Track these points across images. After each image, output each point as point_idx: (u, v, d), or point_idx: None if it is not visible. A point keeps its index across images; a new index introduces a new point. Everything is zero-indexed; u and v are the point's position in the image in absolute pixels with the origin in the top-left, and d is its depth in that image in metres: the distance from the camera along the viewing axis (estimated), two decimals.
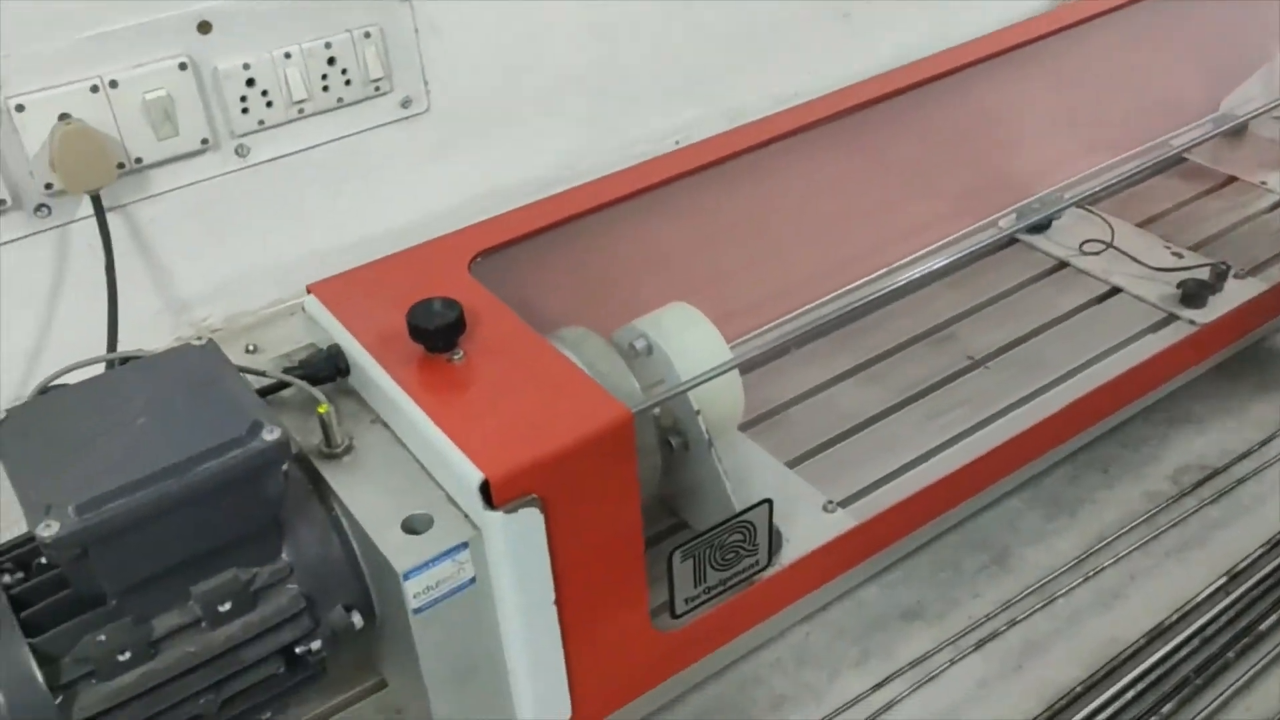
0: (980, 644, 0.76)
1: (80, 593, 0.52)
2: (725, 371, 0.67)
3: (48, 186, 0.98)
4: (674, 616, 0.66)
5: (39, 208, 0.99)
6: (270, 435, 0.52)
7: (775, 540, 0.70)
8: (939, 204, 0.99)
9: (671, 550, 0.64)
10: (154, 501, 0.50)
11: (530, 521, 0.55)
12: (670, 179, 0.78)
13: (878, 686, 0.74)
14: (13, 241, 0.99)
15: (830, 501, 0.75)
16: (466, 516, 0.56)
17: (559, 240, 0.73)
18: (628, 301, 0.74)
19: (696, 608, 0.67)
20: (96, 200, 0.99)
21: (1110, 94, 1.08)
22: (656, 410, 0.68)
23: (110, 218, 1.01)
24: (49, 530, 0.48)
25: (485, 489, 0.54)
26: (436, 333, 0.60)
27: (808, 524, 0.74)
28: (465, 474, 0.54)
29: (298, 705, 0.61)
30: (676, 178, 0.78)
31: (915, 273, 0.77)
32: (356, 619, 0.58)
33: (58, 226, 1.01)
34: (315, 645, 0.57)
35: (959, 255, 0.80)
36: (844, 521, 0.74)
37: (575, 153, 1.05)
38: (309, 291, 0.67)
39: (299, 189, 1.10)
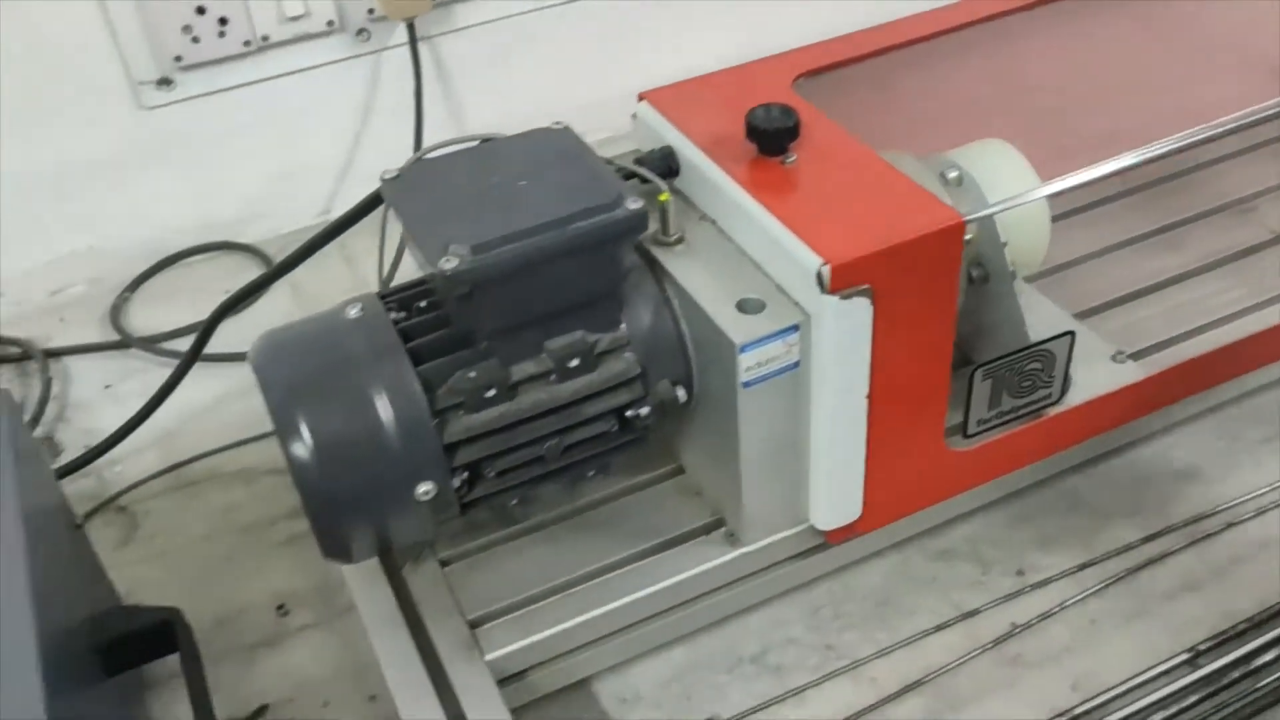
0: (1260, 512, 0.76)
1: (457, 332, 0.59)
2: (1036, 200, 0.68)
3: (370, 12, 1.06)
4: (965, 436, 0.69)
5: (360, 31, 1.07)
6: (633, 205, 0.57)
7: (1066, 381, 0.71)
8: (1250, 76, 0.95)
9: (974, 369, 0.66)
10: (535, 251, 0.56)
11: (860, 310, 0.58)
12: (984, 19, 0.78)
13: (1148, 539, 0.75)
14: (335, 63, 1.08)
15: (1120, 352, 0.76)
16: (796, 304, 0.60)
17: (876, 70, 0.75)
18: (935, 136, 0.75)
19: (987, 430, 0.69)
20: (411, 28, 1.07)
21: None
22: (967, 237, 0.70)
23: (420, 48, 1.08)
24: (449, 264, 0.54)
25: (822, 274, 0.57)
26: (774, 134, 0.63)
27: (1096, 372, 0.74)
28: (802, 259, 0.58)
29: (616, 471, 0.68)
30: (990, 19, 0.78)
31: (1218, 137, 0.75)
32: (680, 393, 0.64)
33: (374, 52, 1.09)
34: (644, 411, 0.63)
35: (1265, 121, 0.77)
36: (1132, 373, 0.75)
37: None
38: (641, 99, 0.71)
39: (591, 33, 1.14)
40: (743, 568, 0.68)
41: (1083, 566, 0.74)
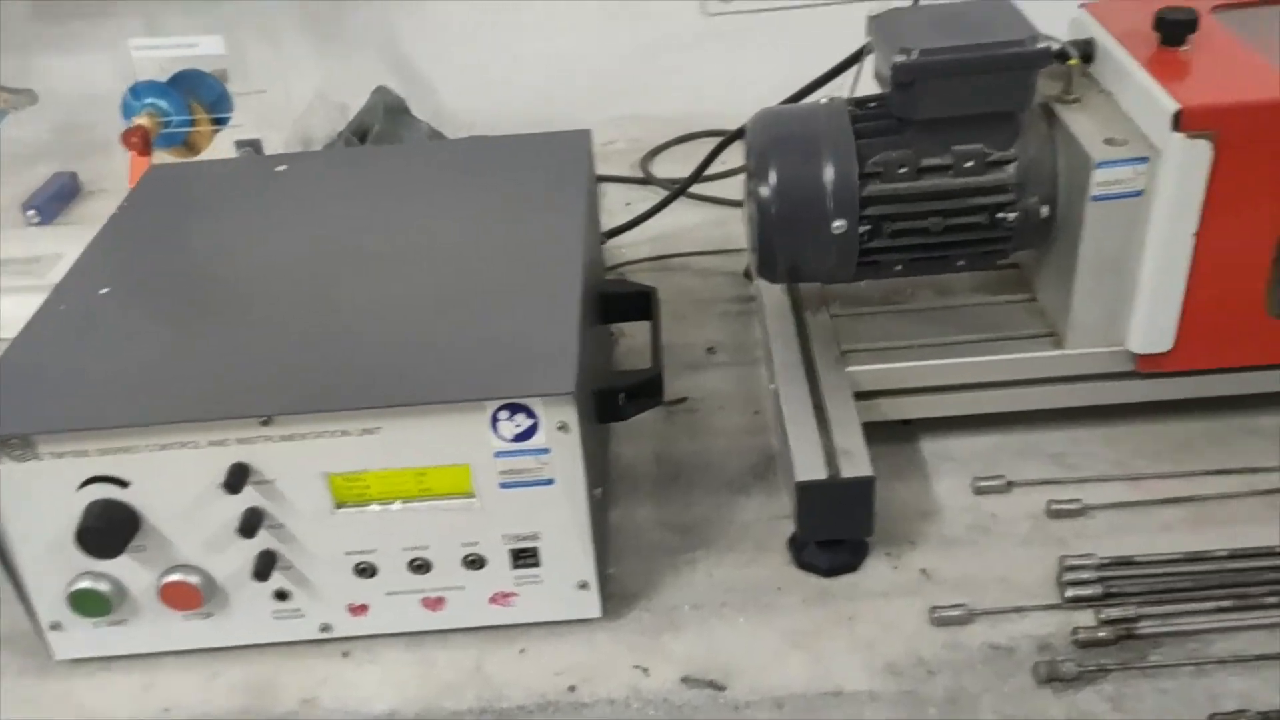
0: None
1: (892, 125, 0.83)
2: None
3: None
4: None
5: None
6: (1042, 44, 0.78)
7: None
8: None
9: None
10: (962, 61, 0.78)
11: (1201, 152, 0.75)
12: None
13: None
14: (843, 3, 1.35)
15: None
16: (1151, 144, 0.77)
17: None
18: None
19: None
20: None
21: None
22: None
23: None
24: (901, 57, 0.79)
25: (1177, 116, 0.75)
26: (1174, 24, 0.81)
27: None
28: (1164, 104, 0.75)
29: (982, 290, 0.88)
30: None
31: None
32: (1044, 210, 0.83)
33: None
34: (1012, 216, 0.83)
35: None
36: None
37: None
38: (1081, 6, 0.91)
39: None
40: (1060, 368, 0.86)
41: None
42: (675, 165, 1.40)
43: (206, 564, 0.74)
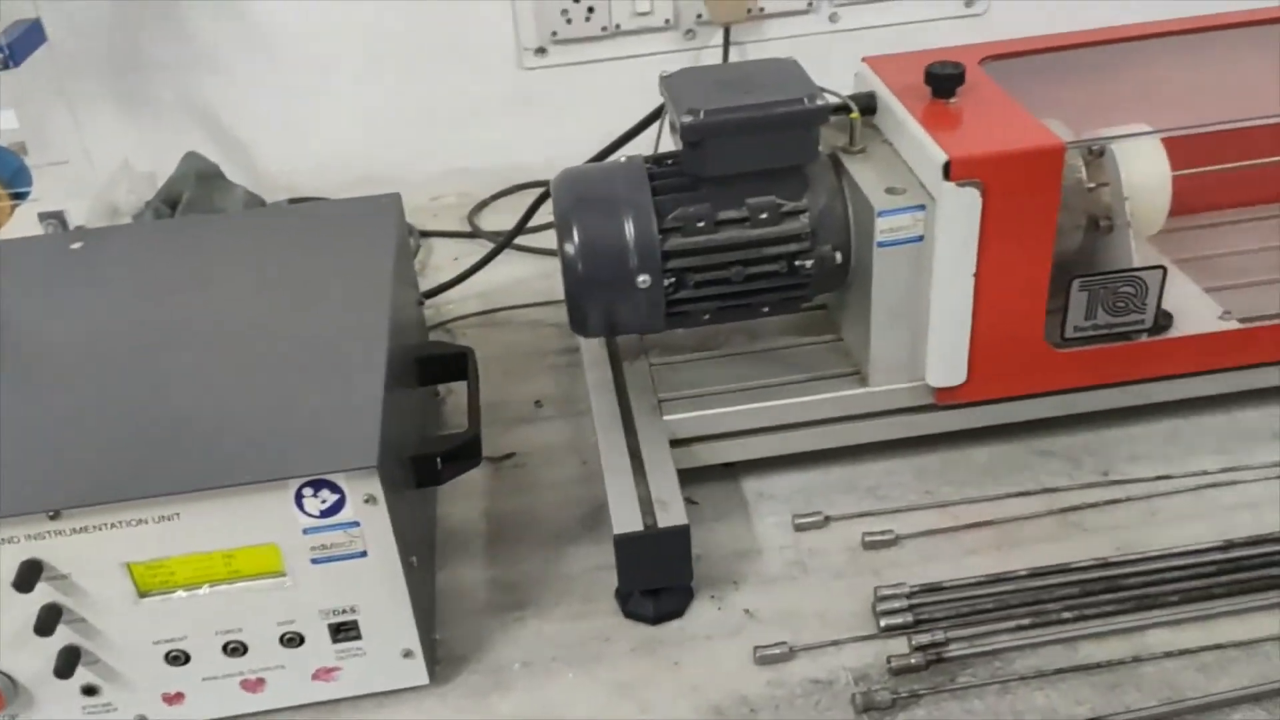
0: None
1: (687, 181, 0.86)
2: (1158, 163, 0.86)
3: (698, 16, 1.37)
4: (1062, 338, 0.87)
5: (688, 31, 1.39)
6: (820, 101, 0.82)
7: (1163, 316, 0.87)
8: None
9: (1072, 278, 0.85)
10: (746, 119, 0.81)
11: (971, 199, 0.79)
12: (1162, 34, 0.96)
13: (1228, 470, 0.89)
14: (664, 54, 1.40)
15: (1227, 312, 0.90)
16: (928, 192, 0.82)
17: (1050, 63, 0.96)
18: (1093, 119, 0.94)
19: (1082, 340, 0.87)
20: (727, 33, 1.37)
21: None
22: (1089, 187, 0.89)
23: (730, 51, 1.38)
24: (688, 119, 0.81)
25: (946, 166, 0.79)
26: (941, 79, 0.86)
27: (1198, 322, 0.90)
28: (935, 156, 0.80)
29: (790, 332, 0.91)
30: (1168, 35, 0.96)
31: None
32: (838, 256, 0.87)
33: (695, 49, 1.40)
34: (808, 263, 0.86)
35: None
36: (1232, 328, 0.89)
37: None
38: (863, 60, 0.96)
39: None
40: (866, 404, 0.89)
41: (1161, 478, 0.89)
42: (504, 218, 1.40)
43: (6, 665, 0.71)
